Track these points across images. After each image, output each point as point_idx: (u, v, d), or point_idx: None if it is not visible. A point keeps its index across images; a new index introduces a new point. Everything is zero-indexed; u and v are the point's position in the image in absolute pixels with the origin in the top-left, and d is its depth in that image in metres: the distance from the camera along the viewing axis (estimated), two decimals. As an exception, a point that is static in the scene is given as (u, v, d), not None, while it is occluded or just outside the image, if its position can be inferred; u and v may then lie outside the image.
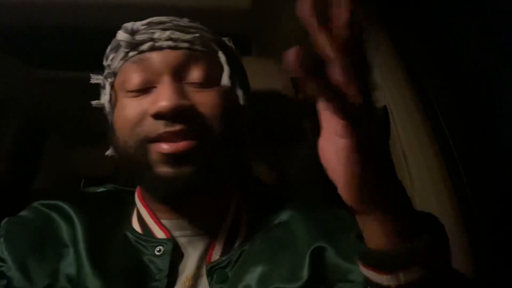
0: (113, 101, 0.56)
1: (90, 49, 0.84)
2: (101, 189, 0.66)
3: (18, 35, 0.85)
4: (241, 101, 0.57)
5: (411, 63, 0.76)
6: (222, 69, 0.55)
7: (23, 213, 0.58)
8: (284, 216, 0.57)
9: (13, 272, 0.51)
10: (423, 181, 0.67)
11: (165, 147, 0.48)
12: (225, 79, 0.54)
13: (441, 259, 0.37)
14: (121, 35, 0.53)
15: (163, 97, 0.48)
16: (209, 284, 0.50)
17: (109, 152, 0.61)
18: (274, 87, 0.95)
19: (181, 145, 0.48)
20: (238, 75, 0.58)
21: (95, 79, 0.60)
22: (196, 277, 0.51)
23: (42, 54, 0.94)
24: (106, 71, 0.57)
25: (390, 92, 0.75)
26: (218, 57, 0.55)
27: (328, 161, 0.36)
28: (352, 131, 0.32)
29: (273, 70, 0.98)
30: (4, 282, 0.51)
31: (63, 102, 1.09)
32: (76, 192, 0.78)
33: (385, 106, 0.75)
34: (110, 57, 0.56)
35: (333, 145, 0.35)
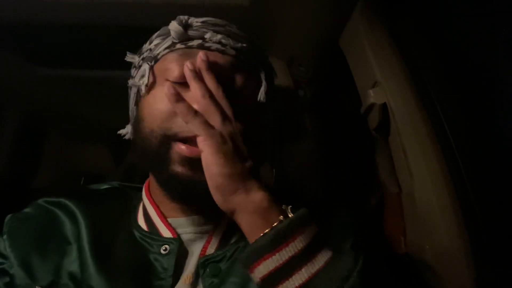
0: (149, 85, 0.56)
1: (91, 47, 0.84)
2: (105, 186, 0.66)
3: (18, 33, 0.84)
4: (267, 119, 0.58)
5: (411, 59, 0.76)
6: (259, 85, 0.56)
7: (27, 209, 0.58)
8: None
9: (16, 269, 0.51)
10: (422, 177, 0.67)
11: (186, 149, 0.49)
12: (262, 95, 0.55)
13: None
14: (173, 26, 0.54)
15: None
16: (201, 276, 0.51)
17: (124, 131, 0.61)
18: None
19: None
20: (272, 93, 0.59)
21: (131, 58, 0.59)
22: (197, 274, 0.52)
23: (42, 51, 0.94)
24: (147, 54, 0.56)
25: (389, 89, 0.74)
26: (258, 72, 0.57)
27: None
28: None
29: (274, 68, 0.98)
30: (7, 279, 0.51)
31: (64, 100, 1.09)
32: (80, 189, 0.78)
33: (384, 103, 0.75)
34: (155, 42, 0.56)
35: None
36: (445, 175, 0.66)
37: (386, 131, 0.78)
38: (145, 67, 0.55)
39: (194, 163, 0.48)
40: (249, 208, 0.44)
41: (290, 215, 0.44)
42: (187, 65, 0.49)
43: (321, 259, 0.41)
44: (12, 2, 0.77)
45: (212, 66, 0.50)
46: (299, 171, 1.14)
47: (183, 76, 0.51)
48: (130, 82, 0.59)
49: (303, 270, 0.40)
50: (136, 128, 0.55)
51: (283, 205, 0.45)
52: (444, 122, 0.70)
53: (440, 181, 0.65)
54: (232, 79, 0.53)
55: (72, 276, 0.50)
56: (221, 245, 0.54)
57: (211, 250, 0.53)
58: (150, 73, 0.55)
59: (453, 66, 0.74)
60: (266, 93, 0.56)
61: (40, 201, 0.59)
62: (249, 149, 0.47)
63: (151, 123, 0.52)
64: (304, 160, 1.13)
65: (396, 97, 0.74)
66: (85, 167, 1.35)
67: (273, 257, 0.40)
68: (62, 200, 0.58)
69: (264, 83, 0.56)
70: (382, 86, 0.75)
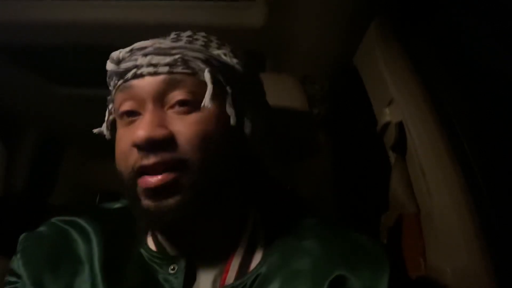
0: (110, 129, 0.56)
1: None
2: (117, 205, 0.66)
3: (38, 53, 0.87)
4: (232, 121, 0.52)
5: (428, 77, 0.76)
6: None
7: (41, 228, 0.59)
8: (303, 240, 0.53)
9: None
10: (442, 196, 0.66)
11: (145, 181, 0.47)
12: (206, 101, 0.50)
13: None
14: (108, 65, 0.53)
15: (139, 127, 0.48)
16: None
17: None
18: (289, 103, 0.95)
19: (159, 179, 0.46)
20: (239, 91, 0.54)
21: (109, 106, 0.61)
22: None
23: (60, 71, 0.96)
24: (109, 97, 0.57)
25: (406, 107, 0.74)
26: (202, 76, 0.51)
27: None
28: None
29: (288, 86, 0.99)
30: None
31: (81, 118, 1.11)
32: (93, 208, 0.78)
33: (400, 121, 0.74)
34: (112, 83, 0.56)
35: None
36: (465, 193, 0.64)
37: (402, 149, 0.76)
38: (107, 111, 0.57)
39: (156, 192, 0.47)
40: None
41: None
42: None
43: None
44: (33, 24, 0.80)
45: (148, 94, 0.49)
46: (313, 190, 1.12)
47: (130, 111, 0.51)
48: (95, 131, 0.59)
49: None
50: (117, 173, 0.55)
51: None
52: (462, 139, 0.69)
53: (460, 200, 0.64)
54: (173, 97, 0.50)
55: None
56: (240, 273, 0.52)
57: (230, 279, 0.51)
58: (110, 117, 0.56)
59: (469, 82, 0.73)
60: (216, 96, 0.51)
61: (54, 220, 0.60)
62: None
63: (119, 164, 0.51)
64: (319, 179, 1.11)
65: (412, 115, 0.73)
66: (102, 184, 1.36)
67: None
68: (76, 219, 0.59)
69: (209, 86, 0.50)
70: (398, 104, 0.75)
